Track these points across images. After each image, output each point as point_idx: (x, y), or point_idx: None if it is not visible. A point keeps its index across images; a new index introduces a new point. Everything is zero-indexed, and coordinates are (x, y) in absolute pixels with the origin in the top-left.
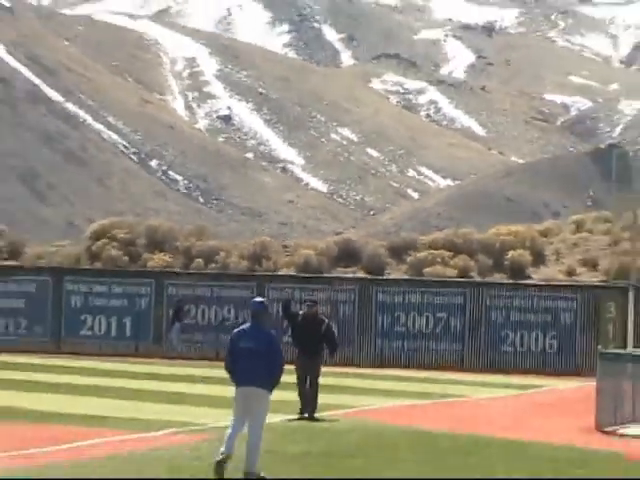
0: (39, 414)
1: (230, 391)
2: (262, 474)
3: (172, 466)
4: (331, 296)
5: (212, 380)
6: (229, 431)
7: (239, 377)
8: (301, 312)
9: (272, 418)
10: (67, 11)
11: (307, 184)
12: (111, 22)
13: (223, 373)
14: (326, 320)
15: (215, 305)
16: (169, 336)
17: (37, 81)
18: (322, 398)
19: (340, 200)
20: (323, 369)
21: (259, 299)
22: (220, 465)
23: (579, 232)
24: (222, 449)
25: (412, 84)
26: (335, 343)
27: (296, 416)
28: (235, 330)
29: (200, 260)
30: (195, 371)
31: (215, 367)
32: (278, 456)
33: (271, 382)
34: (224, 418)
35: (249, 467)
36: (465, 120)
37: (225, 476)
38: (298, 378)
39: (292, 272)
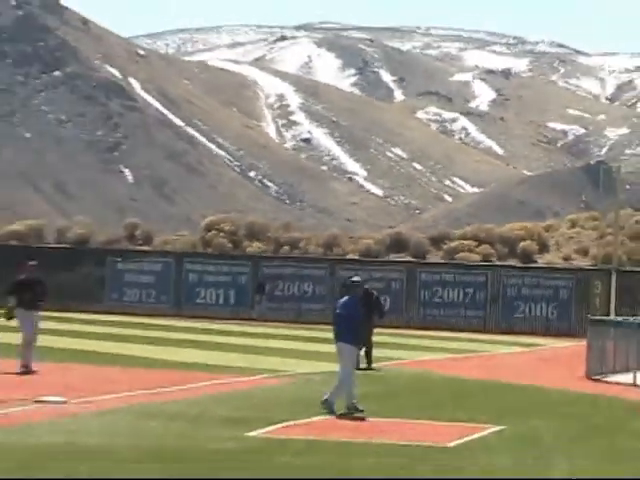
0: (168, 363)
1: (304, 347)
2: (335, 409)
3: (263, 400)
4: (385, 275)
5: (292, 337)
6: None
7: (335, 336)
8: None
9: (336, 367)
10: (187, 58)
11: (368, 190)
12: (220, 66)
13: (302, 333)
14: (375, 293)
15: (297, 281)
16: (258, 305)
17: (164, 111)
18: (378, 353)
19: (392, 202)
20: (379, 330)
21: (355, 278)
22: (351, 409)
23: (574, 228)
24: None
25: (448, 114)
26: (382, 310)
27: None
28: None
29: (287, 247)
30: (281, 331)
31: (296, 329)
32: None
33: (352, 338)
34: (302, 366)
35: (328, 396)
36: (488, 142)
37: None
38: None
39: (356, 257)
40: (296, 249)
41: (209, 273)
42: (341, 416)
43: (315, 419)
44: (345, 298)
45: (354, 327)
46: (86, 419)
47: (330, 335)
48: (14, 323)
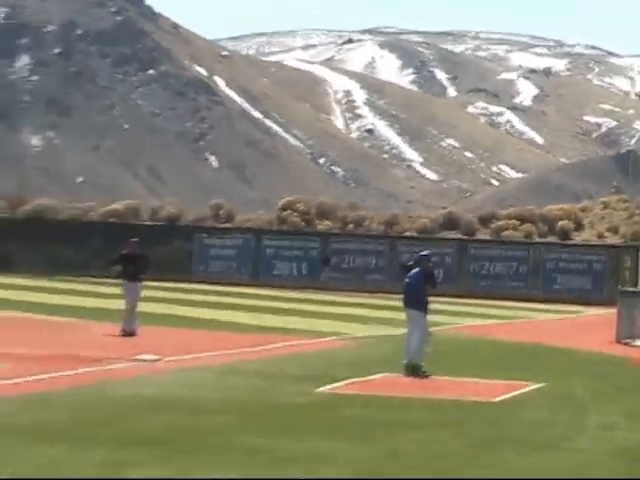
0: (247, 326)
1: (361, 312)
2: (423, 369)
3: (330, 359)
4: (439, 250)
5: (355, 304)
6: (405, 343)
7: (404, 303)
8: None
9: (394, 331)
10: (265, 58)
11: (424, 175)
12: (295, 66)
13: (365, 300)
14: (430, 265)
15: (361, 255)
16: (322, 275)
17: (246, 105)
18: (432, 318)
19: (446, 186)
20: (434, 299)
21: (424, 252)
22: (407, 368)
23: (606, 209)
24: (405, 361)
25: (495, 109)
26: (435, 282)
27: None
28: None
29: (352, 225)
30: (346, 299)
31: (359, 297)
32: (396, 358)
33: (420, 305)
34: (362, 330)
35: (411, 359)
36: (530, 133)
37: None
38: None
39: (413, 234)
40: (360, 227)
41: (284, 248)
42: (404, 374)
43: (375, 377)
44: (415, 270)
45: (421, 296)
46: (176, 375)
47: (389, 302)
48: (119, 291)
